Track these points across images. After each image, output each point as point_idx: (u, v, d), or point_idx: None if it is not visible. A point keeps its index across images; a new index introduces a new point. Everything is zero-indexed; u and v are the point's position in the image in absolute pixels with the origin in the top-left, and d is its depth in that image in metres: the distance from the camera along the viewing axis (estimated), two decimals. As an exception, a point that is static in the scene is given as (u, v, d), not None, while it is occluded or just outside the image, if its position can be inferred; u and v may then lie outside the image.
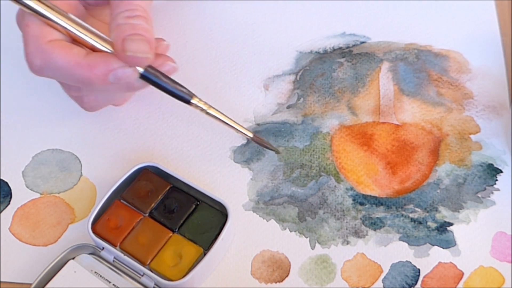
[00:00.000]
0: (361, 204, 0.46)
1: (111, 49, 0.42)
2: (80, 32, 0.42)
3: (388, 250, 0.44)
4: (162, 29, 0.56)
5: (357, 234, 0.45)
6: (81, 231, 0.45)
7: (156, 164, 0.45)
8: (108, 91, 0.45)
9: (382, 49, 0.54)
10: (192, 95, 0.44)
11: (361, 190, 0.47)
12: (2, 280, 0.43)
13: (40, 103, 0.52)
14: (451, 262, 0.43)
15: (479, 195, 0.46)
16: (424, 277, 0.43)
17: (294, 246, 0.44)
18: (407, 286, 0.42)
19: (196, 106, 0.45)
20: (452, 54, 0.53)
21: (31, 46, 0.41)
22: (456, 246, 0.44)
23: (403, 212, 0.45)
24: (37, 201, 0.47)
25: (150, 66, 0.42)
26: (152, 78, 0.43)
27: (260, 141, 0.47)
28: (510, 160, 0.47)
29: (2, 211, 0.46)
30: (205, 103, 0.45)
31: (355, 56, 0.53)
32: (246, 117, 0.50)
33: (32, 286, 0.41)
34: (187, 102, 0.44)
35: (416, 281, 0.43)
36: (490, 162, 0.47)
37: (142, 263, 0.42)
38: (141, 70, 0.42)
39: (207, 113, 0.45)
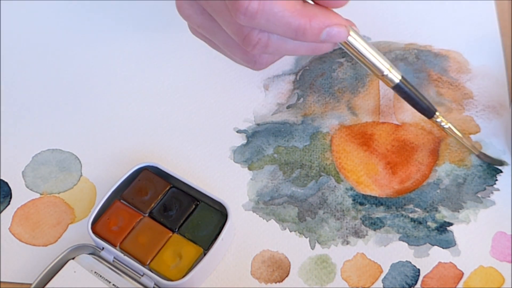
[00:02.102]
0: (361, 204, 0.46)
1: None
2: None
3: (388, 250, 0.44)
4: (162, 29, 0.56)
5: (357, 234, 0.45)
6: (81, 231, 0.45)
7: (156, 164, 0.45)
8: (291, 51, 0.40)
9: (382, 49, 0.54)
10: (435, 110, 0.44)
11: (361, 190, 0.47)
12: (2, 280, 0.43)
13: (40, 103, 0.52)
14: (451, 262, 0.43)
15: (479, 195, 0.46)
16: (424, 277, 0.43)
17: (294, 246, 0.44)
18: (407, 286, 0.42)
19: (435, 122, 0.45)
20: (452, 54, 0.53)
21: None
22: (456, 246, 0.44)
23: (403, 212, 0.45)
24: (37, 201, 0.47)
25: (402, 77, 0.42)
26: (405, 88, 0.42)
27: (486, 158, 0.47)
28: (510, 160, 0.47)
29: (2, 211, 0.46)
30: (445, 119, 0.45)
31: (355, 56, 0.53)
32: (246, 117, 0.50)
33: (32, 286, 0.41)
34: (429, 116, 0.44)
35: (416, 281, 0.43)
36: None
37: (142, 263, 0.42)
38: (397, 80, 0.42)
39: (443, 129, 0.45)
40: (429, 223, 0.45)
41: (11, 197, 0.47)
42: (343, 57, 0.53)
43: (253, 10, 0.36)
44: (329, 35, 0.38)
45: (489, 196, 0.46)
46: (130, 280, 0.41)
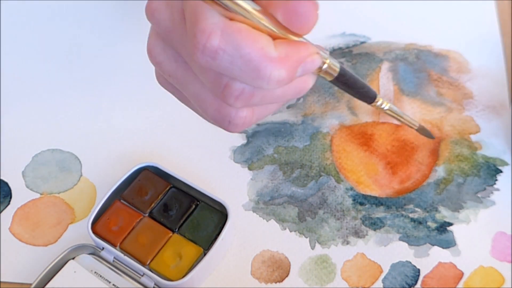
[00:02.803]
0: (361, 204, 0.46)
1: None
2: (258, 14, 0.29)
3: (388, 250, 0.44)
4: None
5: (357, 234, 0.45)
6: (81, 231, 0.45)
7: (156, 164, 0.45)
8: (278, 98, 0.32)
9: (382, 49, 0.54)
10: (376, 95, 0.39)
11: (361, 190, 0.47)
12: (2, 280, 0.43)
13: (40, 103, 0.52)
14: (451, 262, 0.43)
15: (479, 195, 0.46)
16: (424, 277, 0.43)
17: (294, 246, 0.44)
18: (407, 286, 0.42)
19: (375, 106, 0.40)
20: (452, 54, 0.53)
21: (208, 19, 0.28)
22: (456, 246, 0.44)
23: (403, 212, 0.45)
24: (37, 201, 0.47)
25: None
26: (348, 73, 0.34)
27: (425, 132, 0.47)
28: (510, 160, 0.47)
29: (2, 211, 0.46)
30: (386, 102, 0.40)
31: (355, 56, 0.53)
32: (246, 117, 0.50)
33: (32, 286, 0.41)
34: (370, 102, 0.39)
35: (416, 281, 0.43)
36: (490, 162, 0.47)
37: (142, 263, 0.42)
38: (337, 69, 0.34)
39: (384, 111, 0.41)
40: (429, 223, 0.45)
41: (11, 197, 0.47)
42: (343, 57, 0.53)
43: (214, 47, 0.28)
44: (305, 68, 0.31)
45: (489, 196, 0.46)
46: (130, 280, 0.41)
